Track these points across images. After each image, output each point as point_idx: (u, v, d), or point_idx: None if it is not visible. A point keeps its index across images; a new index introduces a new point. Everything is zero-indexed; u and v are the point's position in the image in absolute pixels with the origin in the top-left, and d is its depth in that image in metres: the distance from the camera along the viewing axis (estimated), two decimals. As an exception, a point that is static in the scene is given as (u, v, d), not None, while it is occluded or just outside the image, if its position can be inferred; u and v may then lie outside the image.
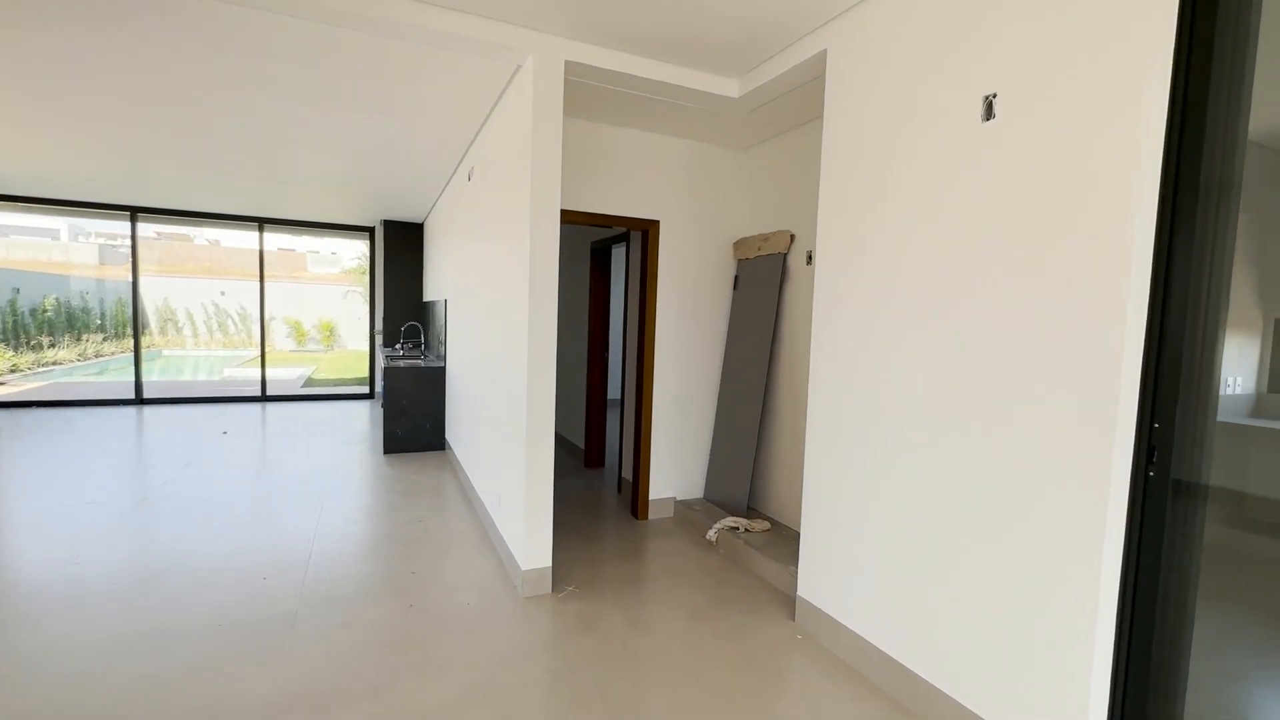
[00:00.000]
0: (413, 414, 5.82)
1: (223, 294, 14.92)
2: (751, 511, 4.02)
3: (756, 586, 3.20)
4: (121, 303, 11.08)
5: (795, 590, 2.97)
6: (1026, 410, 1.81)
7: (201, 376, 12.66)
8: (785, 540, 3.55)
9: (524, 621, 2.74)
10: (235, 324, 18.11)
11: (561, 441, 6.24)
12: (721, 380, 4.31)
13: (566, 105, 3.50)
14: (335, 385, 10.76)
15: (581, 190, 3.79)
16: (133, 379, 7.99)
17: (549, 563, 3.02)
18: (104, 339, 11.20)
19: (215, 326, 15.88)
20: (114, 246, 11.60)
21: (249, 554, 3.35)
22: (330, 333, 18.72)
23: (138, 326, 8.05)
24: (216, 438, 6.25)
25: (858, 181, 2.48)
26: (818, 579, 2.70)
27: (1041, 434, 1.77)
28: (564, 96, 3.11)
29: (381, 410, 6.05)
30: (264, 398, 8.50)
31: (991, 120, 1.92)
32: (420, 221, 8.37)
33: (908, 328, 2.24)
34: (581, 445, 5.73)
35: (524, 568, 2.97)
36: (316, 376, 12.74)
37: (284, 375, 12.40)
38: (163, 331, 14.03)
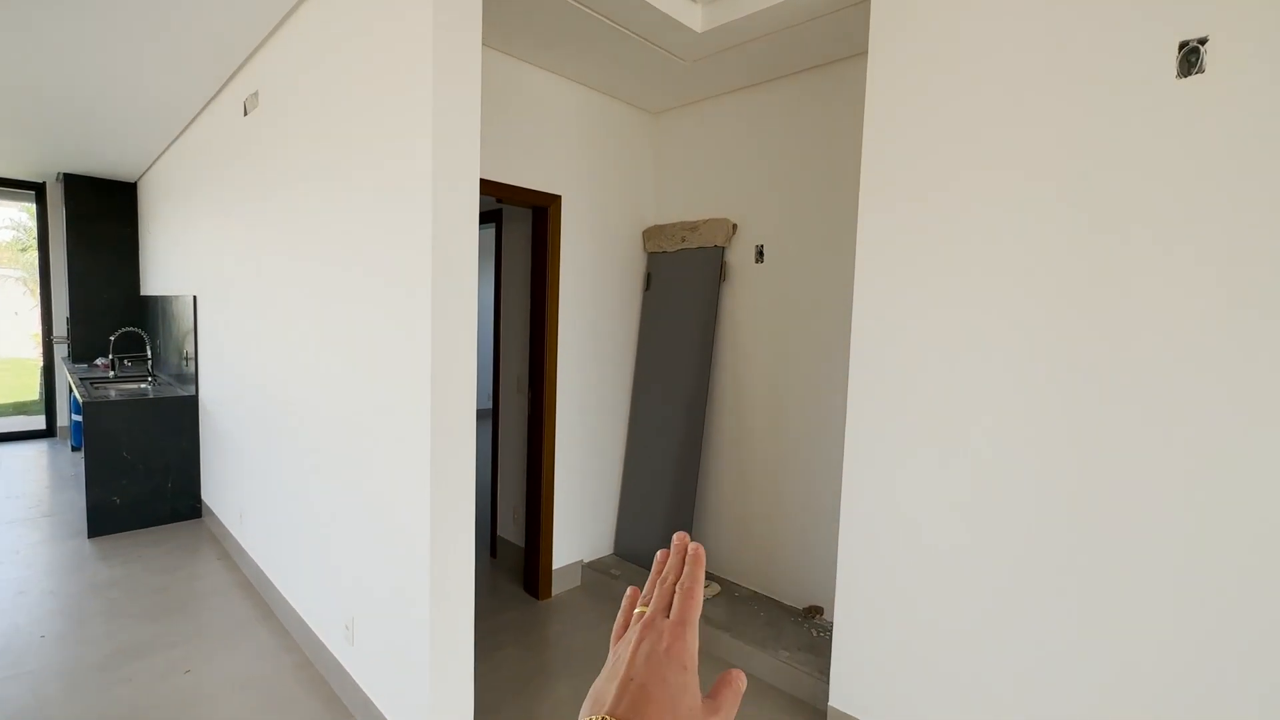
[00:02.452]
0: (142, 469, 3.81)
1: None
2: (686, 568, 3.23)
3: (750, 690, 2.39)
4: None
5: (817, 693, 2.26)
6: None
7: None
8: (746, 606, 2.83)
9: None
10: None
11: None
12: (632, 405, 3.43)
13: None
14: (-21, 418, 7.22)
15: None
16: None
17: (469, 737, 1.85)
18: None
19: None
20: None
21: None
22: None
23: None
24: None
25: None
26: (861, 679, 2.03)
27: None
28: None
29: (81, 462, 3.87)
30: None
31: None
32: (133, 181, 5.83)
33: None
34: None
35: (430, 758, 1.77)
36: (-60, 403, 8.52)
37: None
38: None
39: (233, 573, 3.29)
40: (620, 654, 0.37)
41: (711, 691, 0.38)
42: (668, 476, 3.16)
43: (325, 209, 2.22)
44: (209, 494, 3.92)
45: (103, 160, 5.05)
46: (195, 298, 3.96)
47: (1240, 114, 1.34)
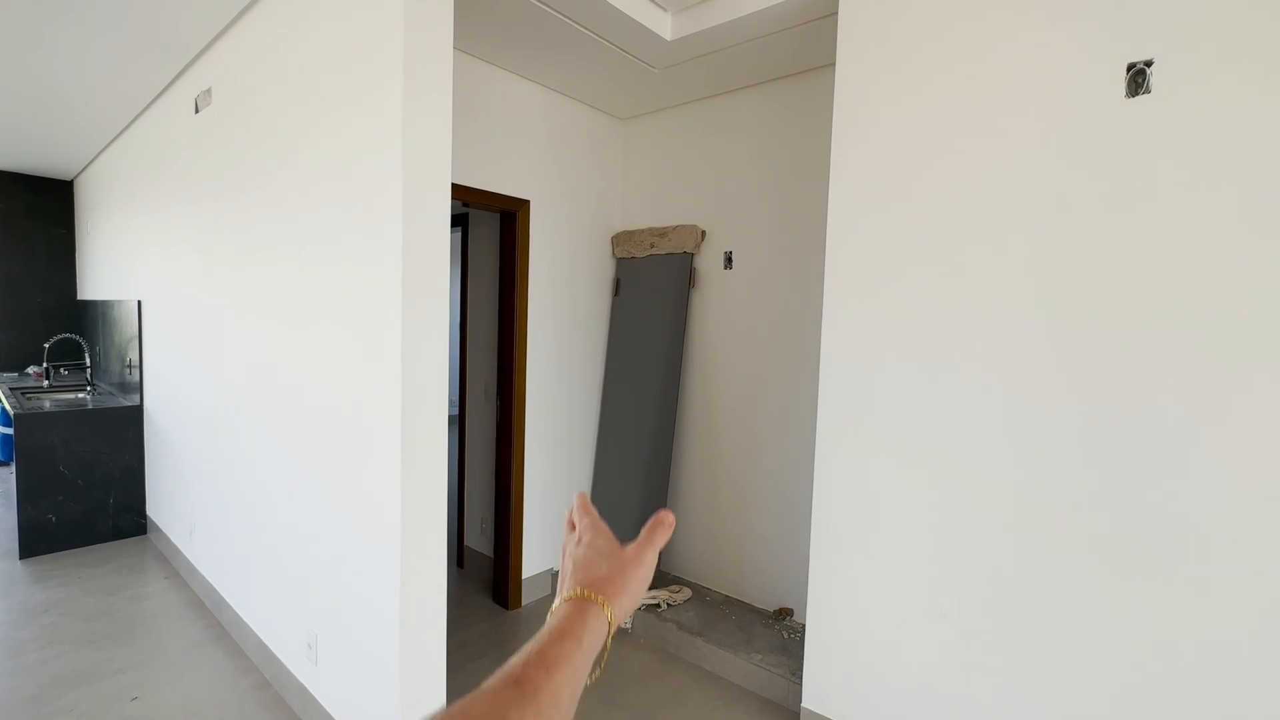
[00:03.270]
0: (81, 484, 3.59)
1: None
2: (659, 574, 3.22)
3: (723, 693, 2.43)
4: None
5: (789, 695, 2.29)
6: None
7: None
8: (717, 610, 2.85)
9: None
10: None
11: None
12: (602, 411, 3.41)
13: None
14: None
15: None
16: None
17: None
18: None
19: None
20: None
21: None
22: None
23: None
24: None
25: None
26: (833, 680, 2.06)
27: None
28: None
29: (10, 478, 3.62)
30: None
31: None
32: (69, 179, 5.52)
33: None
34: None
35: (401, 779, 1.71)
36: None
37: None
38: None
39: (182, 591, 3.13)
40: (568, 555, 0.54)
41: (643, 533, 0.55)
42: (637, 482, 3.16)
43: (285, 211, 2.14)
44: (155, 509, 3.72)
45: (36, 157, 4.76)
46: (140, 302, 3.77)
47: (1183, 131, 1.43)
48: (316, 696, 2.07)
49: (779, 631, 2.66)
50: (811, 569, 2.10)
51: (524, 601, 3.09)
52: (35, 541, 3.46)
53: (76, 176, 5.40)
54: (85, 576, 3.27)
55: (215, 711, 2.20)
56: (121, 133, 4.02)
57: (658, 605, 2.86)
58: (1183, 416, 1.43)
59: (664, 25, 2.41)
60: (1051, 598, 1.62)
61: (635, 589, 0.51)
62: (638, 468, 3.16)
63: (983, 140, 1.70)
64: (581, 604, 0.46)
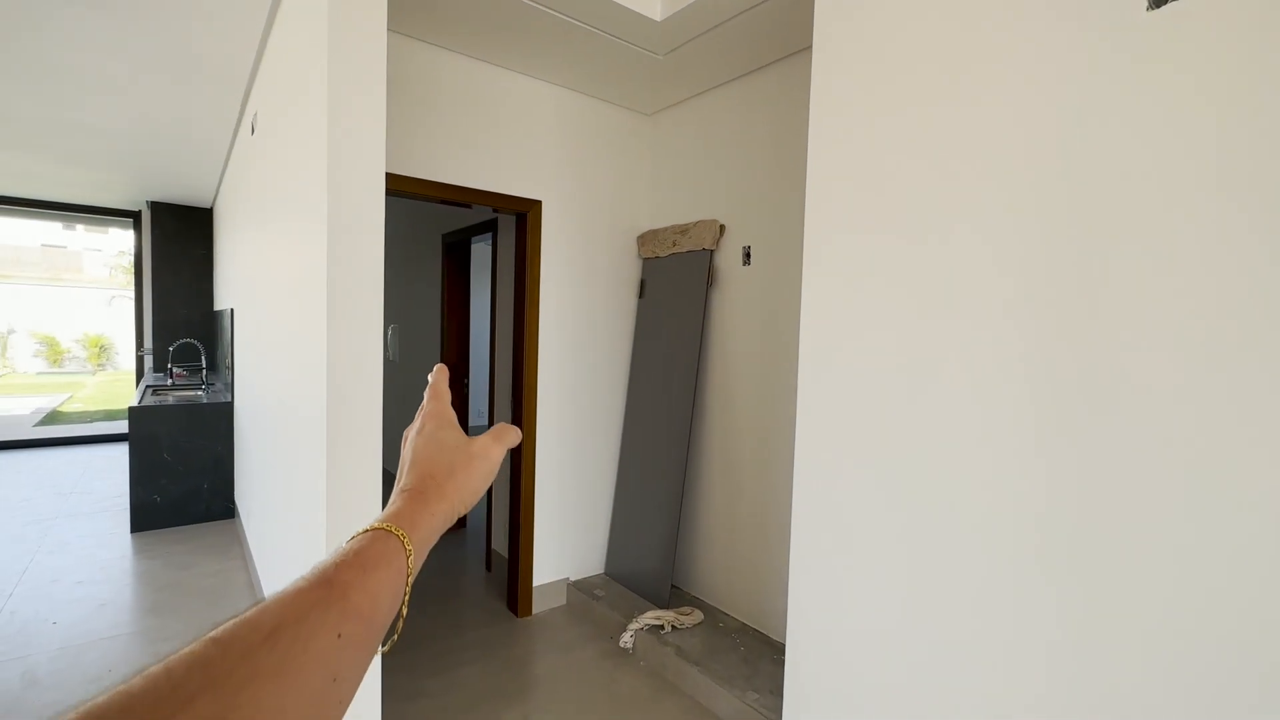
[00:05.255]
0: (180, 471, 4.08)
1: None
2: (675, 592, 3.02)
3: (706, 730, 2.19)
4: None
5: (770, 742, 2.01)
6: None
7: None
8: (727, 638, 2.59)
9: None
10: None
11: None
12: (626, 418, 3.28)
13: (408, 23, 2.28)
14: (91, 423, 8.12)
15: (428, 151, 2.57)
16: None
17: (377, 758, 1.76)
18: None
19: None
20: None
21: None
22: (101, 350, 14.86)
23: None
24: None
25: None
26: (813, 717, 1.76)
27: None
28: (406, 11, 1.90)
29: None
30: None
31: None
32: (208, 206, 6.40)
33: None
34: (435, 499, 4.37)
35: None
36: (69, 410, 9.71)
37: (7, 410, 9.28)
38: None
39: (243, 573, 3.42)
40: (407, 444, 0.48)
41: (492, 430, 0.51)
42: (656, 495, 2.98)
43: (279, 228, 2.26)
44: (239, 496, 4.13)
45: (177, 188, 5.56)
46: (232, 310, 4.23)
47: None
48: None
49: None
50: (790, 592, 1.82)
51: (535, 610, 3.02)
52: (143, 518, 3.98)
53: (213, 203, 6.24)
54: (173, 552, 3.69)
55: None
56: (227, 161, 4.56)
57: (661, 626, 2.66)
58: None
59: (652, 7, 2.27)
60: (1029, 615, 1.24)
61: (477, 484, 0.47)
62: (656, 478, 2.99)
63: (962, 122, 1.38)
64: (386, 538, 0.38)
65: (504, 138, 2.79)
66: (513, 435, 0.51)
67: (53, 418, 8.75)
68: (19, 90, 3.16)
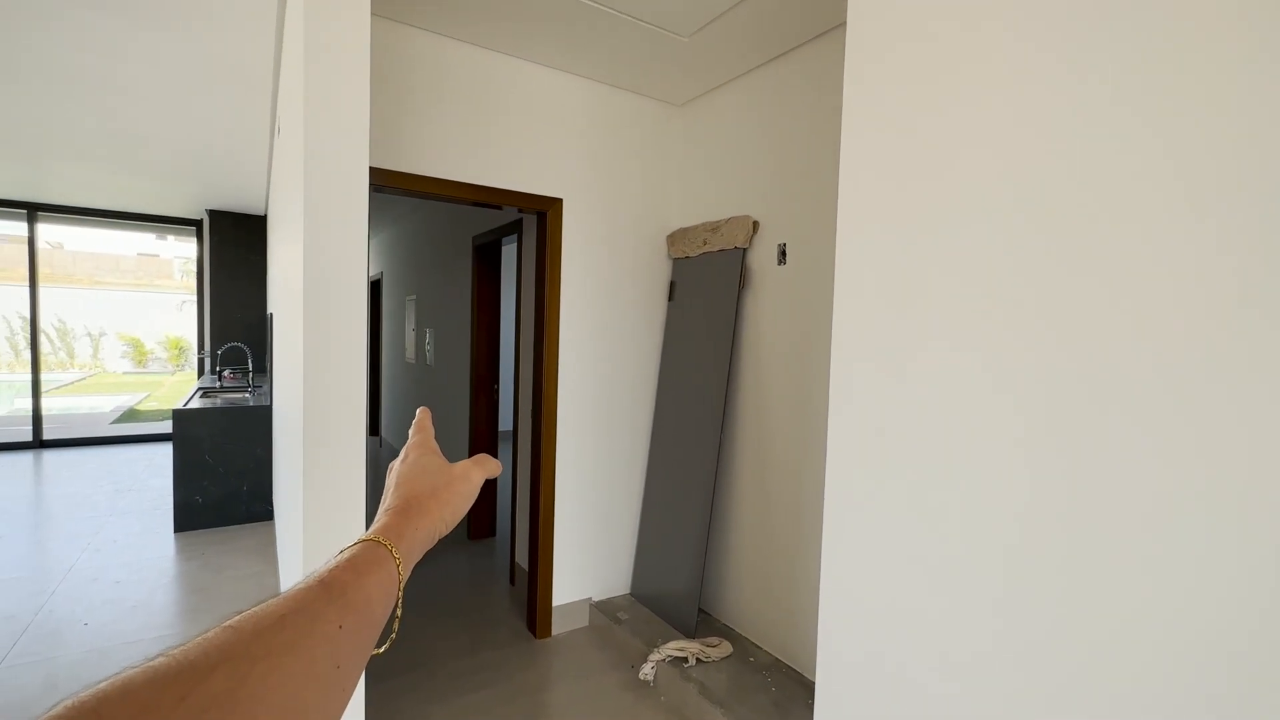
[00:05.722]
0: (221, 473, 4.16)
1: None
2: (704, 618, 2.80)
3: (726, 782, 1.96)
4: None
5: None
6: None
7: (-22, 411, 9.88)
8: (757, 676, 2.35)
9: None
10: (51, 341, 14.91)
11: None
12: (654, 429, 3.08)
13: (419, 15, 2.17)
14: (162, 421, 8.57)
15: (442, 149, 2.45)
16: None
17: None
18: None
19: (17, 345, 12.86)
20: None
21: None
22: (180, 351, 15.83)
23: None
24: (-84, 515, 4.26)
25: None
26: (848, 813, 1.51)
27: None
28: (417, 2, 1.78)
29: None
30: (37, 443, 6.32)
31: None
32: (261, 213, 6.60)
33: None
34: (466, 506, 4.29)
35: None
36: (147, 408, 10.33)
37: (93, 407, 9.94)
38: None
39: (275, 577, 3.42)
40: (393, 472, 0.50)
41: (474, 458, 0.53)
42: (684, 511, 2.77)
43: (289, 222, 2.18)
44: (277, 497, 4.17)
45: (231, 196, 5.75)
46: (271, 314, 4.29)
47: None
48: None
49: (822, 717, 2.10)
50: (820, 628, 1.58)
51: (555, 631, 2.86)
52: (185, 518, 4.06)
53: (267, 209, 6.43)
54: (211, 554, 3.74)
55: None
56: (270, 166, 4.64)
57: (685, 658, 2.45)
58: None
59: (672, -20, 2.07)
60: (1061, 648, 0.97)
61: (459, 504, 0.50)
62: (683, 496, 2.78)
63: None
64: (375, 548, 0.40)
65: (522, 133, 2.65)
66: (492, 465, 0.54)
67: (130, 415, 9.31)
68: (80, 105, 3.28)
